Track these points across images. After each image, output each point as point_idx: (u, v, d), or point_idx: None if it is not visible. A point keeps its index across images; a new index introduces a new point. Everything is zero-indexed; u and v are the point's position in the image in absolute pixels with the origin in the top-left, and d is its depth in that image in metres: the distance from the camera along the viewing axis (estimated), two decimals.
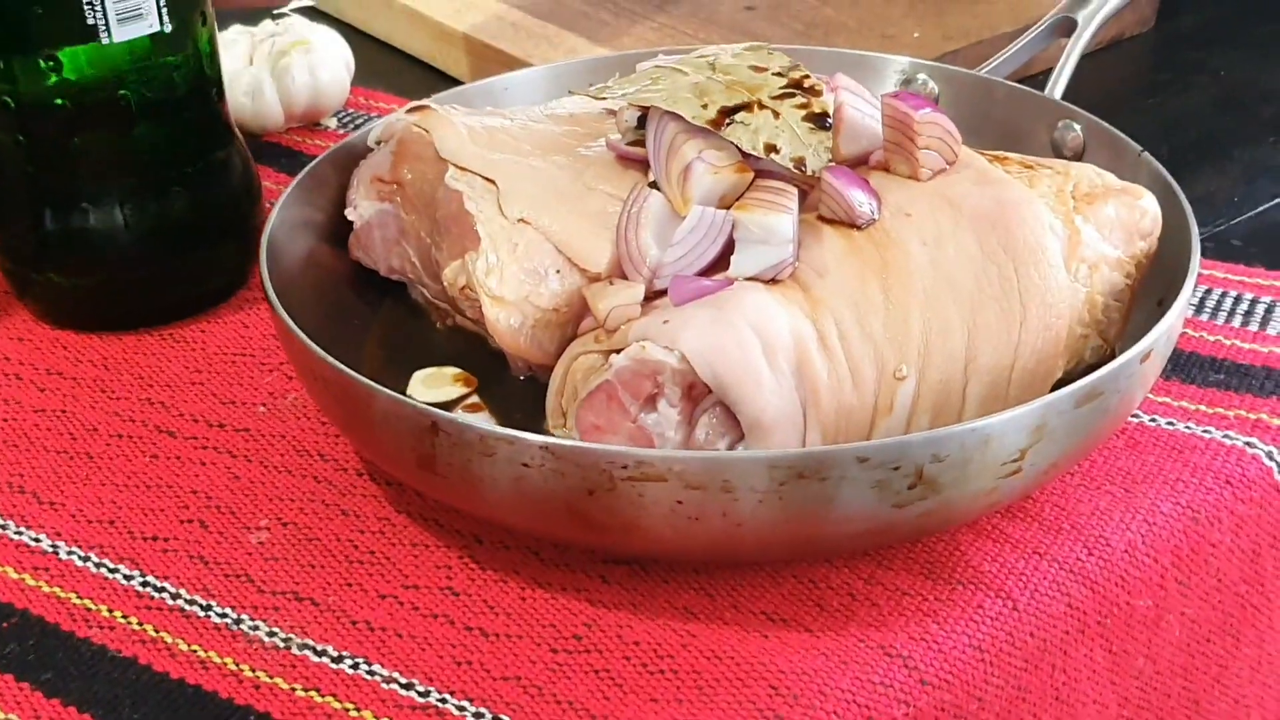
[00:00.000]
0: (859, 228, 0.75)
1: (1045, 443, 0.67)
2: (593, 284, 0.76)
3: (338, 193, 0.87)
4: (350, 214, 0.86)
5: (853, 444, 0.65)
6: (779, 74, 0.79)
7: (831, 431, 0.70)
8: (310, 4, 1.27)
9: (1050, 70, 0.93)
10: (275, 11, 1.20)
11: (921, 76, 0.95)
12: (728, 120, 0.76)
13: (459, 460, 0.67)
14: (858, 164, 0.79)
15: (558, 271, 0.76)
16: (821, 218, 0.76)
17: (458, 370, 0.82)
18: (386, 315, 0.87)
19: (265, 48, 1.09)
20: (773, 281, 0.73)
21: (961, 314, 0.73)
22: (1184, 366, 0.84)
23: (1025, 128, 0.91)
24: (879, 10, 1.16)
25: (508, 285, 0.76)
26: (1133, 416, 0.80)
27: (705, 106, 0.77)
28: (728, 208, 0.75)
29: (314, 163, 0.87)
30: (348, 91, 1.11)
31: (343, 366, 0.70)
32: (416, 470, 0.70)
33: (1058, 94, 0.91)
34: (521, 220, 0.77)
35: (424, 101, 0.86)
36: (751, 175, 0.76)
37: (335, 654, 0.68)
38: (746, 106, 0.77)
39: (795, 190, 0.75)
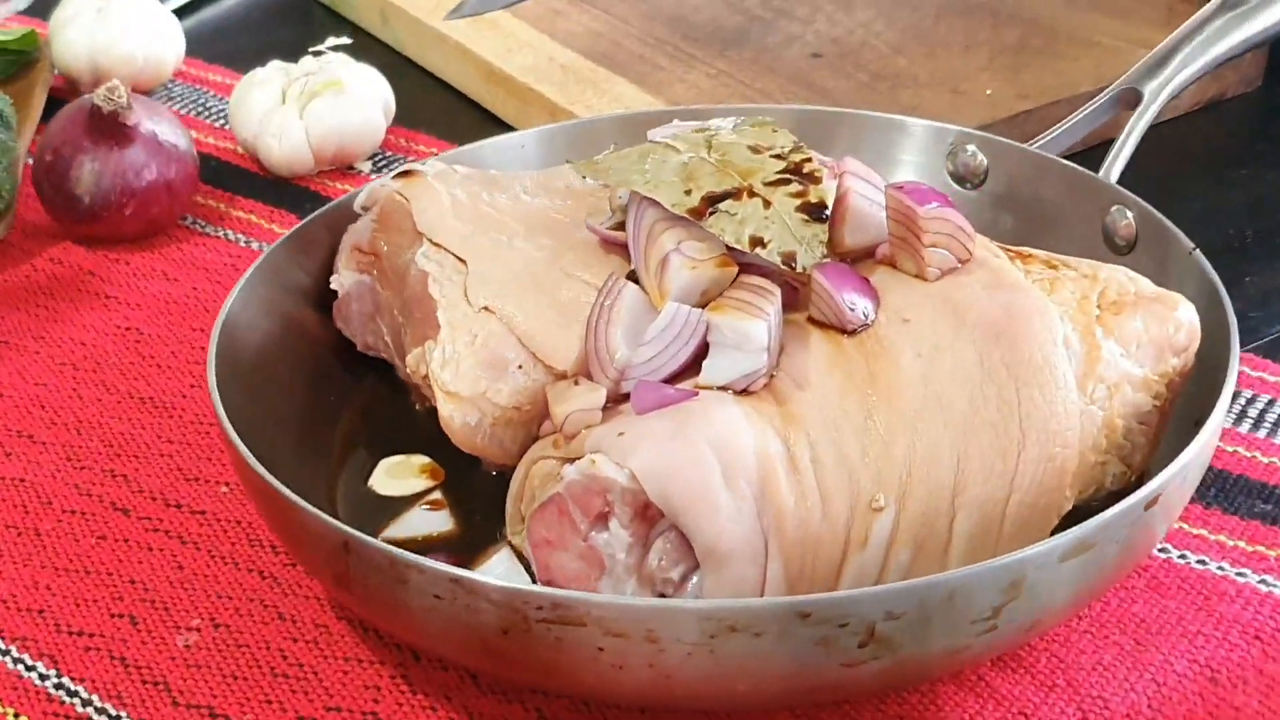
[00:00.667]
0: (849, 333, 0.68)
1: (1025, 599, 0.59)
2: (557, 383, 0.70)
3: (330, 254, 0.82)
4: (334, 282, 0.81)
5: (791, 598, 0.58)
6: (778, 156, 0.72)
7: (796, 564, 0.63)
8: (349, 41, 1.22)
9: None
10: (313, 49, 1.15)
11: (970, 148, 0.87)
12: (711, 209, 0.69)
13: (372, 583, 0.62)
14: (864, 257, 0.72)
15: (520, 366, 0.70)
16: (812, 319, 0.69)
17: (426, 460, 0.76)
18: (369, 390, 0.82)
19: (298, 87, 1.04)
20: (745, 392, 0.66)
21: (952, 439, 0.65)
22: (1228, 492, 0.75)
23: (1077, 210, 0.82)
24: (954, 63, 1.08)
25: (463, 380, 0.69)
26: (1159, 551, 0.71)
27: (689, 192, 0.70)
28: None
29: (303, 223, 0.83)
30: (382, 134, 1.06)
31: (263, 471, 0.64)
32: (335, 586, 0.64)
33: (1114, 174, 0.83)
34: (485, 309, 0.71)
35: (414, 166, 0.80)
36: (735, 270, 0.69)
37: None
38: (735, 194, 0.70)
39: (778, 291, 0.68)
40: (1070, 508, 0.67)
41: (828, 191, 0.71)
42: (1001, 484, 0.65)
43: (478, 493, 0.73)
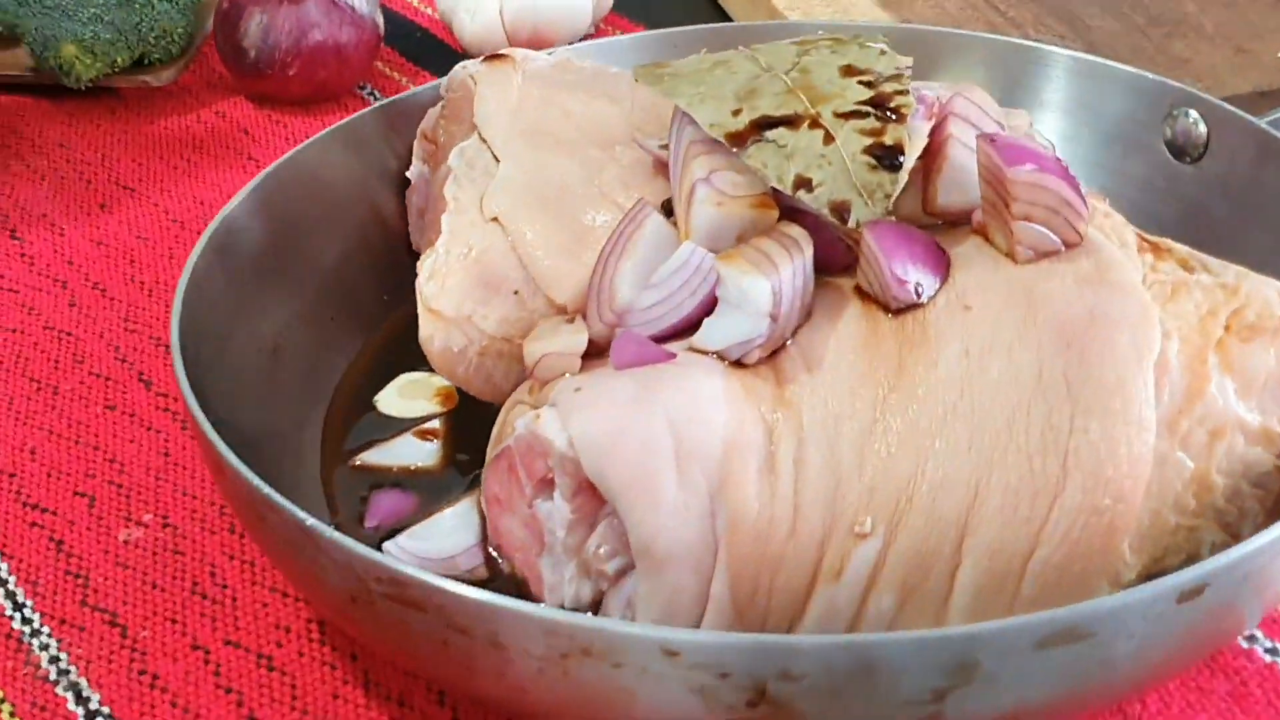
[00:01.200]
0: (893, 312, 0.55)
1: (981, 687, 0.45)
2: (550, 318, 0.59)
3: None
4: (410, 172, 0.72)
5: (654, 629, 0.46)
6: (867, 83, 0.58)
7: (748, 584, 0.51)
8: None
9: None
10: None
11: (1192, 113, 0.71)
12: (755, 136, 0.57)
13: (246, 514, 0.53)
14: (961, 222, 0.58)
15: (516, 291, 0.60)
16: (859, 289, 0.56)
17: (444, 384, 0.67)
18: None
19: None
20: (741, 364, 0.54)
21: (975, 465, 0.51)
22: None
23: None
24: (1253, 16, 0.89)
25: (448, 297, 0.60)
26: (1267, 652, 0.55)
27: (737, 113, 0.58)
28: None
29: (399, 96, 0.74)
30: (588, 21, 0.97)
31: (179, 359, 0.57)
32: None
33: None
34: (495, 220, 0.61)
35: (511, 51, 0.70)
36: (775, 214, 0.57)
37: (94, 708, 0.56)
38: (793, 121, 0.57)
39: (808, 246, 0.55)
40: (1134, 576, 0.52)
41: (914, 134, 0.57)
42: (1023, 535, 0.50)
43: (480, 429, 0.64)
